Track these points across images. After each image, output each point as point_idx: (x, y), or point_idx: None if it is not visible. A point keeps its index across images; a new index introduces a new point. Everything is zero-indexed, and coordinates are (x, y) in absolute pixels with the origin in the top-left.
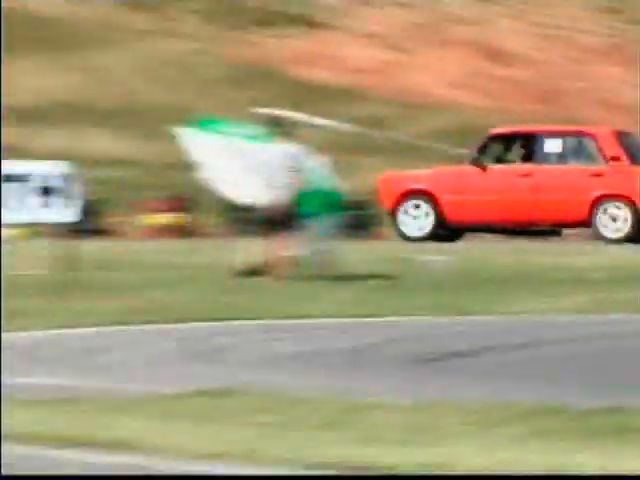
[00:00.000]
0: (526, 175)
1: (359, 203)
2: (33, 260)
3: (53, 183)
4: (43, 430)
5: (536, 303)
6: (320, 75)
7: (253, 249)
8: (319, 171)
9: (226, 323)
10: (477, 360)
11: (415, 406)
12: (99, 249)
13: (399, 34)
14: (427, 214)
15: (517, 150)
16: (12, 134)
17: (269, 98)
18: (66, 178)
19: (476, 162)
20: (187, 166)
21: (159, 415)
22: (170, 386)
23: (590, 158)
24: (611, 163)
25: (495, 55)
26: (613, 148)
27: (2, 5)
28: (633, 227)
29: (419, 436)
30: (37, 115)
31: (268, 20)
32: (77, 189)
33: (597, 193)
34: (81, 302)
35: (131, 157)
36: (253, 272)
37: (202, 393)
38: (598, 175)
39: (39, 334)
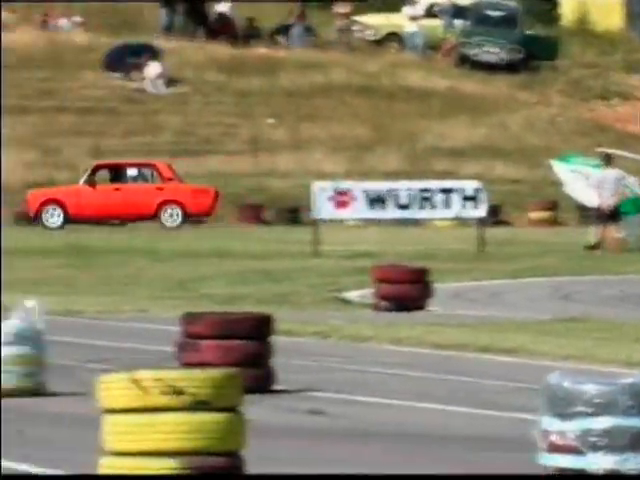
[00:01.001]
0: (117, 189)
1: None
2: (457, 240)
3: (468, 193)
4: (467, 342)
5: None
6: (633, 128)
7: (597, 233)
8: (633, 186)
9: (580, 277)
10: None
11: None
12: (500, 233)
13: None
14: (59, 214)
15: (112, 174)
16: (446, 165)
17: (604, 143)
18: (476, 190)
19: (89, 182)
20: (557, 183)
21: (534, 332)
22: (541, 315)
23: (155, 179)
24: (167, 182)
25: None
26: (168, 173)
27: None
28: (183, 220)
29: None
30: (463, 153)
31: (602, 95)
32: (484, 197)
33: (158, 200)
34: (489, 265)
35: (519, 178)
36: (596, 247)
37: (560, 319)
38: (159, 189)
39: (465, 284)
